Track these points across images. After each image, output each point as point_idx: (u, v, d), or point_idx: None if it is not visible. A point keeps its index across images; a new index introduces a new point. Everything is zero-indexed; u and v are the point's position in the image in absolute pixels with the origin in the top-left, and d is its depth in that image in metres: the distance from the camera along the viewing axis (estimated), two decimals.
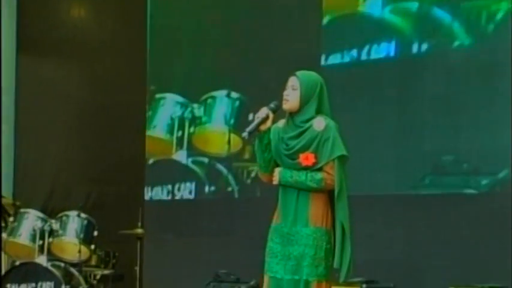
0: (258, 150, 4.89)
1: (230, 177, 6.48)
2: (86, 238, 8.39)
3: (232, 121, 6.55)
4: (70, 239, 8.38)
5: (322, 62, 6.34)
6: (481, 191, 5.88)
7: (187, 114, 6.74)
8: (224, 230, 7.22)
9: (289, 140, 4.83)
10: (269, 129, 4.84)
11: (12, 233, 8.48)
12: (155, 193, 6.96)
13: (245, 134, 4.79)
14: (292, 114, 4.85)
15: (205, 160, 6.69)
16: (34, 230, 8.39)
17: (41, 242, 8.31)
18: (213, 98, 6.74)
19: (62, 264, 8.36)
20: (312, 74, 4.97)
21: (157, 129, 6.91)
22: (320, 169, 4.77)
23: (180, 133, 6.67)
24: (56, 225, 8.42)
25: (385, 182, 6.12)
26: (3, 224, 8.83)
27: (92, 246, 8.39)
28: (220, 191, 6.41)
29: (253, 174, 5.51)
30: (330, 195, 4.81)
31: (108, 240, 8.44)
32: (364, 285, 6.16)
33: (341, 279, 4.77)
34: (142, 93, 8.08)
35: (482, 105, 5.93)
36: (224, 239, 7.12)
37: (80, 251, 8.30)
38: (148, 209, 7.99)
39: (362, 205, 6.40)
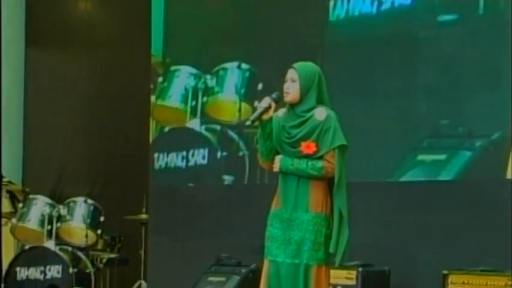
0: (260, 138, 4.89)
1: (241, 143, 6.61)
2: (93, 223, 8.43)
3: (242, 91, 6.68)
4: (77, 224, 8.42)
5: (328, 29, 6.40)
6: (475, 152, 5.86)
7: (200, 85, 6.86)
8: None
9: (291, 129, 4.83)
10: (271, 118, 4.84)
11: (22, 218, 8.52)
12: (171, 159, 6.99)
13: (248, 123, 4.82)
14: (293, 105, 4.85)
15: (218, 127, 6.83)
16: (43, 216, 8.42)
17: (49, 227, 8.35)
18: (225, 69, 6.87)
19: (70, 248, 8.40)
20: (310, 65, 4.97)
21: (172, 99, 7.02)
22: (320, 157, 4.77)
23: (193, 102, 6.80)
24: (63, 210, 8.46)
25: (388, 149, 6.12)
26: (12, 210, 8.87)
27: (99, 231, 8.43)
28: (232, 156, 6.47)
29: None
30: (328, 183, 4.81)
31: (114, 226, 8.48)
32: (360, 269, 6.16)
33: (336, 264, 4.78)
34: (147, 84, 8.09)
35: (480, 71, 5.90)
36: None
37: (86, 236, 8.34)
38: (152, 194, 8.03)
39: (359, 191, 6.46)
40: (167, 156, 6.81)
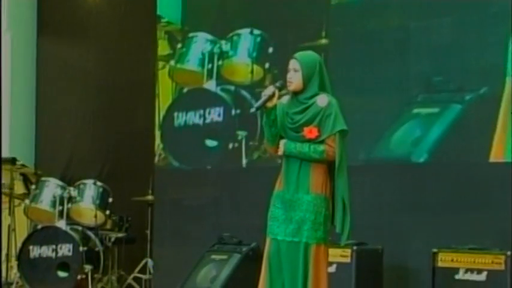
0: (265, 125, 4.90)
1: (253, 102, 6.71)
2: (102, 204, 8.44)
3: (254, 54, 6.86)
4: (87, 205, 8.44)
5: None
6: (464, 105, 5.93)
7: (216, 50, 7.06)
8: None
9: (294, 115, 4.84)
10: (275, 105, 4.85)
11: (34, 199, 8.54)
12: (189, 117, 7.13)
13: (253, 110, 4.83)
14: (296, 93, 4.86)
15: (232, 88, 7.01)
16: (54, 197, 8.44)
17: (60, 208, 8.37)
18: (238, 35, 7.05)
19: (80, 228, 8.41)
20: (311, 54, 4.99)
21: (190, 63, 7.22)
22: (322, 142, 4.79)
23: (210, 65, 7.01)
24: (74, 192, 8.47)
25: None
26: (25, 192, 8.88)
27: (107, 212, 8.45)
28: (245, 113, 6.62)
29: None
30: (329, 166, 4.83)
31: (122, 206, 8.49)
32: (354, 247, 6.17)
33: (342, 242, 4.83)
34: (151, 71, 8.09)
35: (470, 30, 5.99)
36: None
37: (96, 216, 8.36)
38: (158, 175, 8.04)
39: (353, 175, 6.46)
40: (186, 114, 6.99)
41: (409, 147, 6.14)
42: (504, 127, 5.83)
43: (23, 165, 8.98)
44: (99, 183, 8.52)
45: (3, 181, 8.63)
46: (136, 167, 8.69)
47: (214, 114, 6.87)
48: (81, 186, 8.51)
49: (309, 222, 4.76)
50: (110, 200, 8.45)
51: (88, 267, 8.10)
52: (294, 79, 4.84)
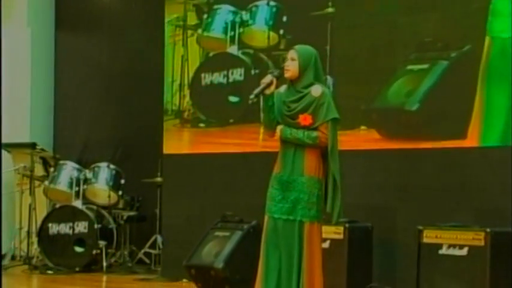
0: (263, 111, 4.88)
1: (269, 63, 7.09)
2: (115, 185, 8.47)
3: (270, 22, 7.13)
4: (101, 186, 8.46)
5: None
6: (451, 61, 6.05)
7: (237, 19, 7.33)
8: None
9: (291, 103, 4.83)
10: (273, 93, 4.84)
11: (53, 181, 8.56)
12: (215, 77, 7.38)
13: (252, 97, 4.81)
14: (293, 82, 4.85)
15: (251, 51, 7.27)
16: (71, 179, 8.46)
17: (77, 189, 8.40)
18: (257, 6, 7.32)
19: (95, 207, 8.45)
20: (308, 48, 4.97)
21: (215, 31, 7.50)
22: (315, 129, 4.79)
23: (232, 33, 7.30)
24: (89, 174, 8.49)
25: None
26: (45, 174, 8.89)
27: (120, 192, 8.47)
28: (263, 73, 6.80)
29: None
30: (322, 150, 4.82)
31: (133, 187, 8.50)
32: (346, 225, 6.17)
33: (333, 222, 4.82)
34: (160, 61, 8.07)
35: None
36: None
37: (109, 196, 8.38)
38: (166, 160, 8.04)
39: (345, 158, 6.46)
40: (212, 75, 7.27)
41: (403, 98, 6.22)
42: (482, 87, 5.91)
43: (43, 150, 9.01)
44: (112, 166, 8.53)
45: (24, 164, 8.65)
46: (146, 151, 8.68)
47: (236, 74, 7.16)
48: (96, 168, 8.53)
49: (303, 201, 4.76)
50: (122, 181, 8.48)
51: (102, 243, 8.14)
52: (291, 67, 4.83)
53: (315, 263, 4.77)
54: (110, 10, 9.71)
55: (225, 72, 7.27)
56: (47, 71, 10.03)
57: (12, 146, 9.13)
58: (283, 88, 4.92)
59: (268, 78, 4.83)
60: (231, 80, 7.23)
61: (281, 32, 6.94)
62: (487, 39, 5.91)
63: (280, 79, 4.82)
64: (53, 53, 10.08)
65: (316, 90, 4.80)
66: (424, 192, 6.32)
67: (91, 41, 9.76)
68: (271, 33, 6.99)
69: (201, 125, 7.72)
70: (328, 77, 6.49)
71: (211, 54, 7.49)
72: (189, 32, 7.60)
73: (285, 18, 6.89)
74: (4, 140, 9.09)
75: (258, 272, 4.86)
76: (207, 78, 7.39)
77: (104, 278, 7.83)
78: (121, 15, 9.53)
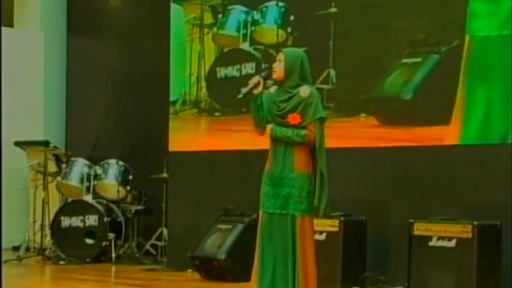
0: (253, 109, 4.88)
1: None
2: (123, 181, 8.46)
3: (279, 21, 7.27)
4: (110, 182, 8.45)
5: None
6: (441, 55, 6.15)
7: (249, 18, 7.49)
8: None
9: (280, 103, 4.82)
10: (261, 93, 4.85)
11: (65, 176, 8.55)
12: (228, 71, 7.53)
13: (240, 96, 4.83)
14: (282, 83, 4.86)
15: (262, 47, 7.40)
16: (82, 174, 8.45)
17: (87, 184, 8.38)
18: (267, 6, 7.45)
19: (104, 201, 8.44)
20: (295, 50, 5.00)
21: (229, 29, 7.66)
22: (304, 127, 4.79)
23: (244, 31, 7.45)
24: (99, 170, 8.48)
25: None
26: (57, 170, 8.88)
27: (128, 187, 8.46)
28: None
29: None
30: (310, 148, 4.82)
31: (141, 183, 8.48)
32: (341, 218, 6.17)
33: (320, 215, 4.80)
34: (166, 62, 8.07)
35: None
36: None
37: (118, 191, 8.38)
38: (172, 157, 8.04)
39: (341, 155, 6.47)
40: (226, 69, 7.42)
41: (398, 88, 6.30)
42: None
43: (55, 147, 9.00)
44: (121, 163, 8.53)
45: (38, 161, 8.65)
46: (153, 148, 8.67)
47: (248, 68, 7.32)
48: (106, 165, 8.53)
49: (294, 196, 4.75)
50: (130, 177, 8.47)
51: (111, 235, 8.13)
52: (278, 68, 4.84)
53: (308, 254, 4.77)
54: (117, 15, 9.72)
55: (238, 66, 7.43)
56: (59, 73, 10.03)
57: (27, 144, 9.13)
58: (273, 89, 4.92)
59: (256, 78, 4.85)
60: (243, 73, 7.37)
61: (289, 29, 7.08)
62: (467, 38, 6.02)
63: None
64: (65, 55, 10.08)
65: (305, 91, 4.79)
66: (415, 188, 6.31)
67: (100, 44, 9.76)
68: (280, 31, 7.13)
69: (217, 113, 7.82)
70: (331, 70, 6.55)
71: (225, 50, 7.66)
72: (205, 30, 7.79)
73: (292, 17, 7.02)
74: (19, 138, 9.17)
75: (254, 265, 4.86)
76: (221, 72, 7.55)
77: (113, 268, 7.82)
78: (128, 20, 9.53)
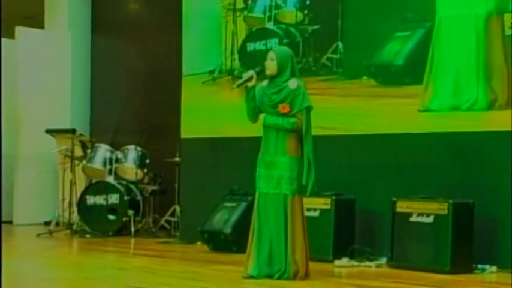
0: (246, 101, 4.92)
1: (298, 35, 7.38)
2: (141, 164, 8.47)
3: (297, 5, 7.41)
4: (130, 165, 8.46)
5: None
6: (426, 29, 6.35)
7: (273, 3, 7.59)
8: None
9: (272, 95, 4.85)
10: (254, 86, 4.87)
11: (90, 160, 8.56)
12: (257, 45, 7.68)
13: (234, 87, 4.88)
14: (273, 77, 4.88)
15: (283, 26, 7.51)
16: (105, 158, 8.46)
17: (109, 167, 8.40)
18: None
19: (124, 182, 8.45)
20: (285, 49, 5.07)
21: (257, 12, 7.78)
22: (293, 116, 4.81)
23: (269, 13, 7.63)
24: (120, 155, 8.49)
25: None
26: (83, 155, 8.89)
27: (145, 170, 8.47)
28: (292, 41, 7.29)
29: None
30: (299, 134, 4.85)
31: (156, 166, 8.48)
32: (333, 197, 6.18)
33: (307, 193, 4.84)
34: (179, 60, 8.05)
35: None
36: None
37: (136, 173, 8.39)
38: (184, 143, 8.04)
39: (333, 141, 6.48)
40: (254, 43, 7.66)
41: (393, 56, 6.55)
42: None
43: (81, 134, 9.01)
44: (139, 148, 8.53)
45: (66, 146, 8.66)
46: (167, 135, 8.68)
47: (272, 43, 7.49)
48: (125, 150, 8.53)
49: (285, 178, 4.78)
50: (147, 161, 8.47)
51: (131, 212, 8.16)
52: (271, 66, 4.88)
53: (297, 228, 4.81)
54: (136, 17, 9.72)
55: (264, 41, 7.65)
56: (84, 70, 10.05)
57: (56, 132, 9.15)
58: (265, 82, 4.95)
59: (249, 73, 4.88)
60: (269, 46, 7.52)
61: (305, 11, 7.35)
62: (437, 18, 6.23)
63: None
64: (90, 54, 10.08)
65: (293, 83, 4.82)
66: (397, 170, 6.29)
67: (121, 43, 9.76)
68: (298, 13, 7.39)
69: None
70: (339, 43, 6.81)
71: (254, 29, 7.86)
72: (238, 13, 7.98)
73: (308, 1, 7.27)
74: (50, 127, 9.19)
75: (250, 241, 4.89)
76: (251, 46, 7.77)
77: (132, 241, 7.86)
78: (145, 22, 9.53)
